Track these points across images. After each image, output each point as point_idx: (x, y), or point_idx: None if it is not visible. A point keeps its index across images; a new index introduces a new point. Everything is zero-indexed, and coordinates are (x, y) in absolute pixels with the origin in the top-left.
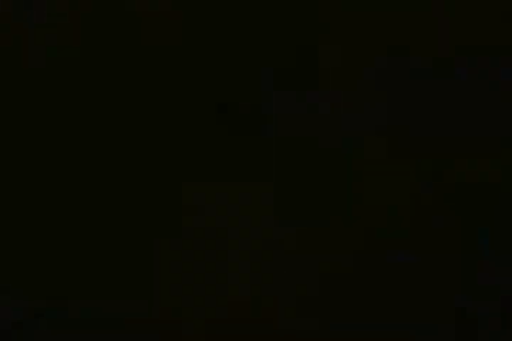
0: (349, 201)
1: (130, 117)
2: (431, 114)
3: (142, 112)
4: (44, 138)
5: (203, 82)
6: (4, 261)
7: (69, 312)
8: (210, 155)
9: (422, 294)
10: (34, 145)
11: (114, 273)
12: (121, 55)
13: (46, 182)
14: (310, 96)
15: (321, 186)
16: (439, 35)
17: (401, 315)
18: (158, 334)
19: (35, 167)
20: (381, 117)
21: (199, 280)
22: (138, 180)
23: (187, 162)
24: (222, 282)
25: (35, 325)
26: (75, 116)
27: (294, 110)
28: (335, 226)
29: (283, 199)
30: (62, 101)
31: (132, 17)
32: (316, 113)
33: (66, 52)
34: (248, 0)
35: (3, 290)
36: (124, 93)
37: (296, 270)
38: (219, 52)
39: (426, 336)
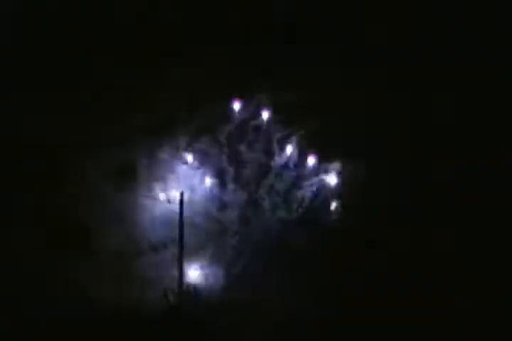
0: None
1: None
2: (433, 114)
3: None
4: None
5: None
6: None
7: None
8: None
9: (422, 293)
10: None
11: None
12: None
13: None
14: None
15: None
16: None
17: (402, 314)
18: None
19: None
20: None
21: None
22: None
23: None
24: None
25: None
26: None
27: None
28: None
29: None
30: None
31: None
32: None
33: (66, 53)
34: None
35: None
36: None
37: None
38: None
39: (426, 336)
